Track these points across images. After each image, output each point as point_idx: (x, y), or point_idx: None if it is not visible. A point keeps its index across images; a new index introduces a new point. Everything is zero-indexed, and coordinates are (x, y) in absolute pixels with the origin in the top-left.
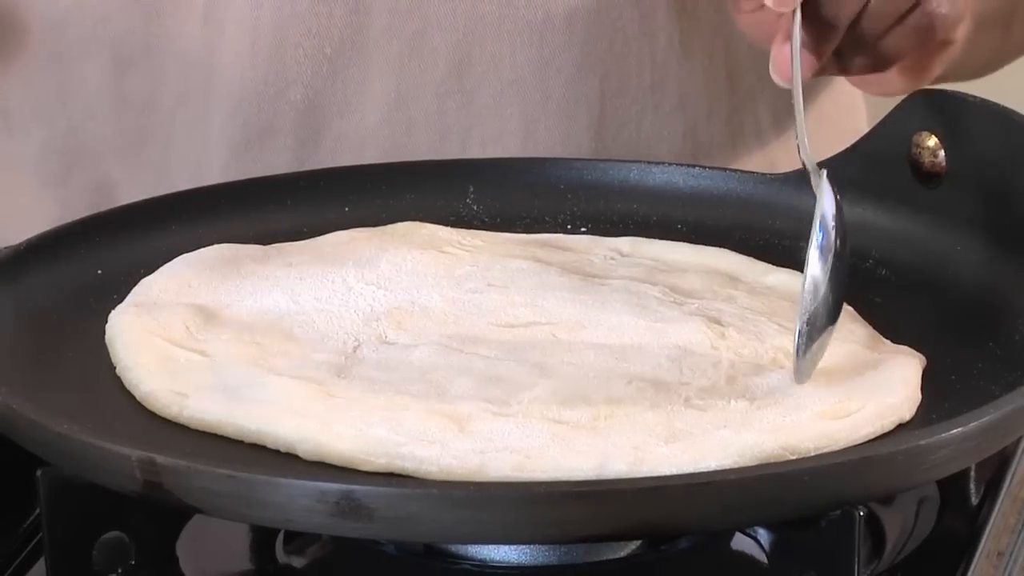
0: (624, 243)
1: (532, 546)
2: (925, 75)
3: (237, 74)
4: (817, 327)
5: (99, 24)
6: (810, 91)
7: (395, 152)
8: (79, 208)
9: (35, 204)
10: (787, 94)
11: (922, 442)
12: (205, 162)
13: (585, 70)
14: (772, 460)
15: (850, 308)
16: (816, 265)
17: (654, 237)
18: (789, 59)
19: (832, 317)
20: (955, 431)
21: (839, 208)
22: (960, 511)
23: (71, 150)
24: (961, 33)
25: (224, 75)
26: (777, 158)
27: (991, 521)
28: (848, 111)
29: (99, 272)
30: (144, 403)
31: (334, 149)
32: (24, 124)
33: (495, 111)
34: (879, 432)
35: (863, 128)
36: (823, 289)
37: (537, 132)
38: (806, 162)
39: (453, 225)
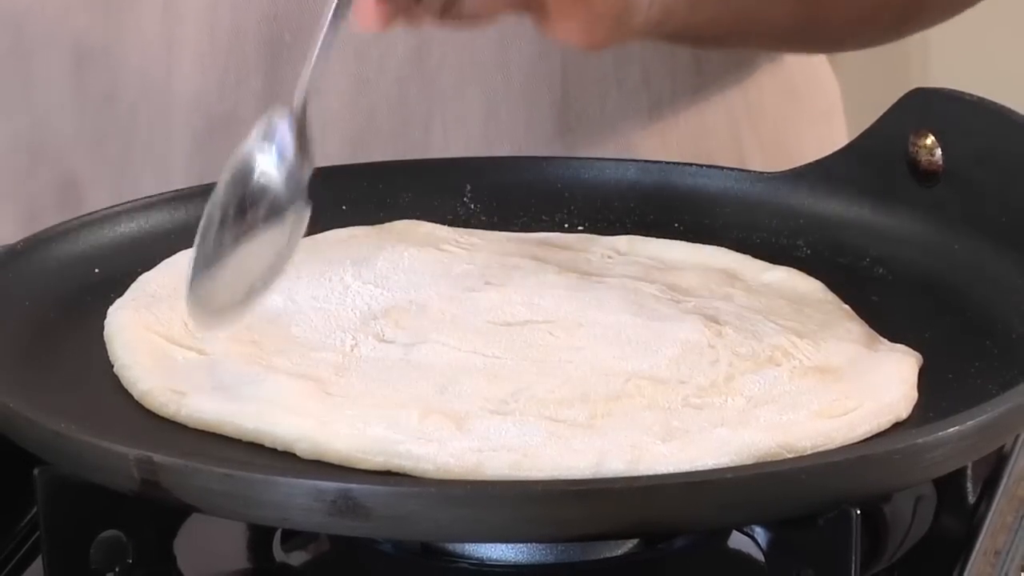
0: (621, 241)
1: (529, 545)
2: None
3: (197, 64)
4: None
5: (59, 17)
6: (776, 62)
7: (357, 137)
8: (46, 204)
9: (4, 199)
10: (758, 73)
11: (919, 441)
12: (168, 154)
13: (546, 49)
14: (769, 459)
15: (847, 307)
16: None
17: (651, 236)
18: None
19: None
20: (952, 430)
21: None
22: (957, 510)
23: (35, 145)
24: None
25: (184, 66)
26: (745, 135)
27: (988, 520)
28: (821, 88)
29: (96, 271)
30: (142, 402)
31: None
32: None
33: (457, 94)
34: (876, 431)
35: (839, 107)
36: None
37: (500, 114)
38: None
39: (451, 224)
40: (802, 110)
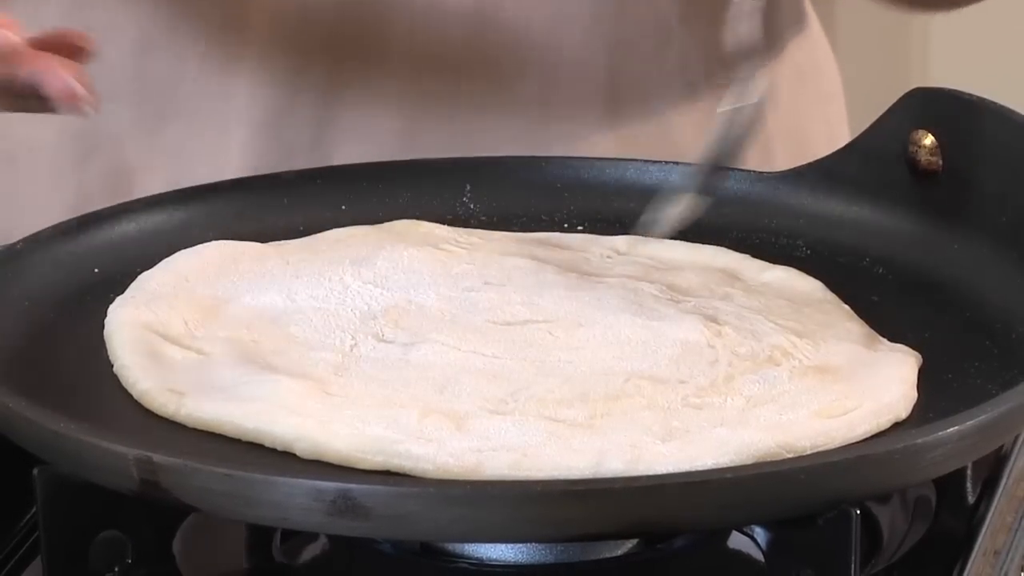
0: (621, 241)
1: (529, 545)
2: None
3: (260, 53)
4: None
5: (122, 5)
6: (785, 46)
7: (412, 125)
8: (96, 194)
9: (52, 190)
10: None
11: (919, 440)
12: (225, 143)
13: (596, 31)
14: (769, 458)
15: (847, 307)
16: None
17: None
18: None
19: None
20: (952, 430)
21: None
22: (957, 510)
23: (89, 135)
24: None
25: (246, 55)
26: (768, 118)
27: (987, 520)
28: (823, 71)
29: (96, 271)
30: (141, 401)
31: (352, 120)
32: None
33: (514, 77)
34: (876, 430)
35: (840, 89)
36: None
37: (553, 99)
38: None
39: (450, 224)
40: (808, 93)
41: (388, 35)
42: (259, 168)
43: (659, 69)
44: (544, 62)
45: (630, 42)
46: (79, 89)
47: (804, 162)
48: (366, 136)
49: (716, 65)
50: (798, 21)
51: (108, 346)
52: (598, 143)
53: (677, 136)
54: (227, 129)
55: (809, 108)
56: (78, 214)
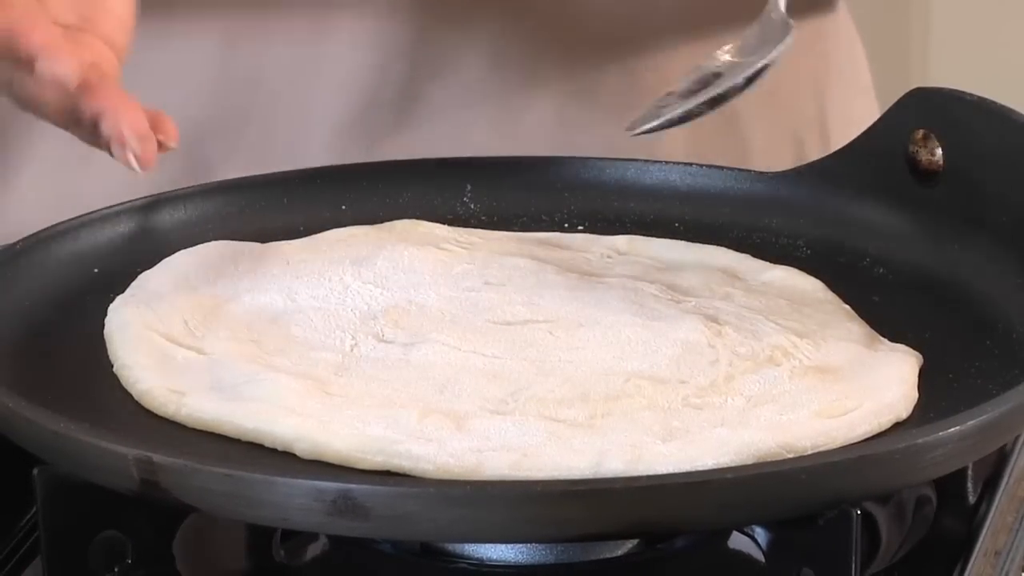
0: (621, 241)
1: (529, 545)
2: None
3: (342, 52)
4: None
5: (209, 3)
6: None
7: (493, 110)
8: (174, 187)
9: (128, 189)
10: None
11: (919, 441)
12: (307, 140)
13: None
14: (769, 458)
15: (847, 307)
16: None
17: (651, 235)
18: None
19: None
20: (952, 430)
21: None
22: (957, 510)
23: None
24: None
25: (329, 54)
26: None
27: (988, 520)
28: (852, 59)
29: (96, 270)
30: (141, 402)
31: (431, 115)
32: None
33: (591, 63)
34: (876, 431)
35: (867, 82)
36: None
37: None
38: None
39: (450, 223)
40: (857, 85)
41: (468, 22)
42: (341, 163)
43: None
44: (628, 57)
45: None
46: (134, 141)
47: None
48: (445, 126)
49: (785, 57)
50: (838, 32)
51: (108, 346)
52: (668, 138)
53: (746, 129)
54: (309, 128)
55: (845, 100)
56: None
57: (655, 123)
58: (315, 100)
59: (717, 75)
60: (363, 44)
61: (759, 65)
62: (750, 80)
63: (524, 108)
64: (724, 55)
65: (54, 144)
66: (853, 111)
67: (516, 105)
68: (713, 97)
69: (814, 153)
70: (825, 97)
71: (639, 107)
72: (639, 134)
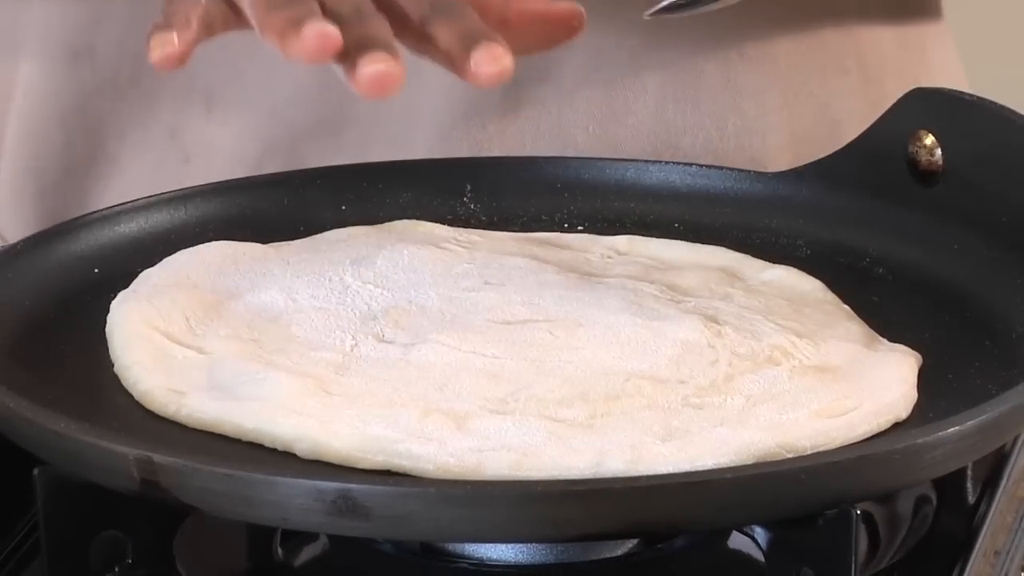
0: (621, 241)
1: (529, 545)
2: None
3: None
4: None
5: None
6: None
7: (593, 113)
8: None
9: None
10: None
11: (919, 440)
12: (409, 144)
13: (777, 27)
14: (769, 458)
15: (847, 307)
16: None
17: (651, 235)
18: None
19: None
20: (952, 430)
21: None
22: (957, 510)
23: (268, 136)
24: None
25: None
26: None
27: (988, 520)
28: (952, 69)
29: (96, 271)
30: (142, 401)
31: (533, 115)
32: (225, 109)
33: (688, 63)
34: (876, 431)
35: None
36: None
37: (730, 98)
38: None
39: (450, 224)
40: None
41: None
42: None
43: (833, 67)
44: (723, 59)
45: (812, 42)
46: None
47: None
48: (547, 125)
49: (883, 50)
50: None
51: (109, 344)
52: (768, 139)
53: (846, 132)
54: (412, 132)
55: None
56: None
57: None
58: (418, 102)
59: None
60: None
61: None
62: None
63: (625, 111)
64: None
65: (157, 147)
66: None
67: (617, 108)
68: None
69: None
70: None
71: (739, 111)
72: (655, 13)
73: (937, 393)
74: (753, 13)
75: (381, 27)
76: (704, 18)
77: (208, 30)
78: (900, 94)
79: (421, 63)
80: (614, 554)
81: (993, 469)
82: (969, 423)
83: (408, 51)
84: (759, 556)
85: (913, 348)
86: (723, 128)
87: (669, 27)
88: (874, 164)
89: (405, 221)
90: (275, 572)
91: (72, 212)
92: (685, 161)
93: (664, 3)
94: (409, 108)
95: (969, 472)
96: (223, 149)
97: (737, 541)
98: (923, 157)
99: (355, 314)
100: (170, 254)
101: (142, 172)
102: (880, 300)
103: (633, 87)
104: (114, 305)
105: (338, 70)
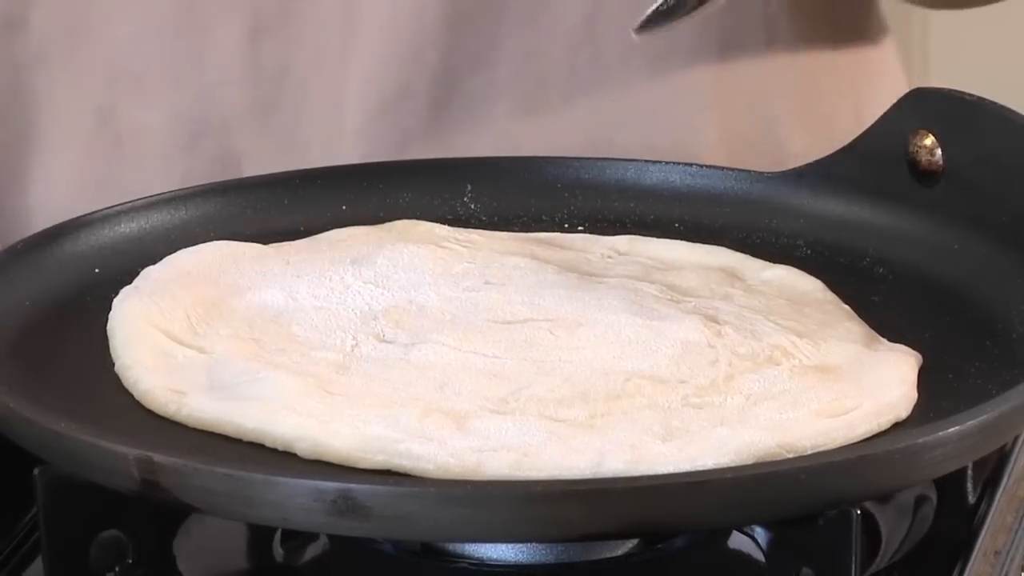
0: (621, 241)
1: (529, 545)
2: None
3: (375, 38)
4: None
5: None
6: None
7: (526, 105)
8: (202, 178)
9: (157, 175)
10: None
11: (919, 440)
12: (338, 129)
13: (708, 20)
14: (769, 458)
15: (847, 307)
16: None
17: (651, 235)
18: None
19: None
20: (952, 429)
21: None
22: (957, 510)
23: (200, 118)
24: None
25: (362, 39)
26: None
27: (988, 520)
28: (892, 74)
29: (96, 271)
30: (142, 401)
31: (465, 105)
32: (154, 91)
33: (622, 63)
34: (876, 430)
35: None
36: None
37: (663, 80)
38: None
39: (450, 224)
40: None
41: (504, 13)
42: (372, 154)
43: (768, 66)
44: (655, 47)
45: (740, 40)
46: None
47: None
48: (479, 116)
49: (824, 62)
50: (878, 40)
51: (110, 342)
52: (704, 139)
53: (784, 135)
54: (341, 115)
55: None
56: None
57: (650, 11)
58: (345, 90)
59: None
60: (395, 33)
61: None
62: None
63: (559, 103)
64: None
65: (87, 129)
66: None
67: (552, 100)
68: None
69: None
70: (863, 108)
71: (673, 107)
72: (642, 28)
73: (937, 393)
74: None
75: None
76: (635, 7)
77: None
78: (837, 99)
79: (348, 50)
80: (614, 554)
81: (993, 469)
82: (969, 423)
83: None
84: (759, 556)
85: (913, 348)
86: (658, 124)
87: (604, 18)
88: (874, 164)
89: (405, 221)
90: (275, 572)
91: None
92: (624, 157)
93: (648, 15)
94: (338, 92)
95: (969, 472)
96: (154, 132)
97: (737, 541)
98: (923, 157)
99: (355, 314)
100: (170, 254)
101: (72, 154)
102: (880, 300)
103: (568, 80)
104: (116, 302)
105: None
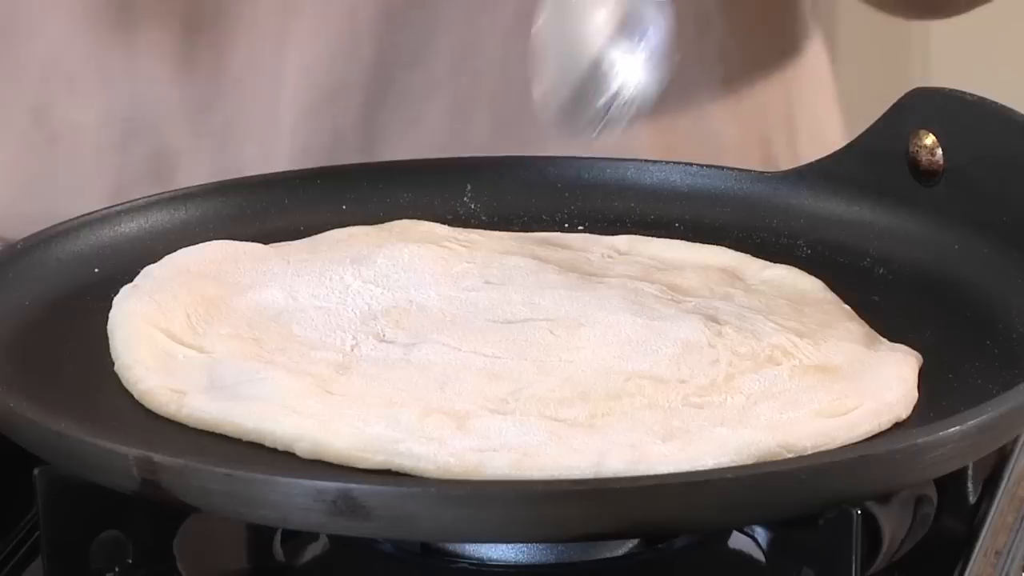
0: (621, 241)
1: (529, 545)
2: None
3: (310, 35)
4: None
5: None
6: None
7: (460, 101)
8: (137, 176)
9: (93, 173)
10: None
11: (919, 440)
12: (273, 126)
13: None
14: (769, 458)
15: (847, 307)
16: None
17: (651, 235)
18: None
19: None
20: (953, 429)
21: None
22: (958, 510)
23: (132, 118)
24: None
25: (296, 36)
26: (797, 115)
27: (989, 520)
28: (819, 59)
29: (96, 271)
30: (142, 401)
31: (399, 102)
32: (88, 90)
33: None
34: (876, 430)
35: (831, 84)
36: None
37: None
38: None
39: (450, 224)
40: (826, 92)
41: (439, 9)
42: (308, 150)
43: (699, 60)
44: None
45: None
46: None
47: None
48: (412, 112)
49: (755, 56)
50: (807, 33)
51: (111, 341)
52: (637, 135)
53: (716, 126)
54: (275, 112)
55: (824, 107)
56: (119, 198)
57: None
58: (280, 87)
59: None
60: (329, 30)
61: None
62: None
63: (491, 102)
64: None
65: (21, 128)
66: (819, 111)
67: (484, 99)
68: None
69: (781, 152)
70: (793, 97)
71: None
72: (595, 136)
73: (938, 393)
74: None
75: None
76: None
77: None
78: (767, 89)
79: (283, 45)
80: (614, 554)
81: (994, 469)
82: (970, 423)
83: None
84: (759, 556)
85: (913, 348)
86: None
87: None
88: (874, 164)
89: (405, 221)
90: (275, 572)
91: None
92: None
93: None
94: (273, 90)
95: (970, 472)
96: (89, 130)
97: (737, 541)
98: (923, 157)
99: (355, 314)
100: (170, 254)
101: (6, 153)
102: (880, 300)
103: (501, 79)
104: (116, 301)
105: None
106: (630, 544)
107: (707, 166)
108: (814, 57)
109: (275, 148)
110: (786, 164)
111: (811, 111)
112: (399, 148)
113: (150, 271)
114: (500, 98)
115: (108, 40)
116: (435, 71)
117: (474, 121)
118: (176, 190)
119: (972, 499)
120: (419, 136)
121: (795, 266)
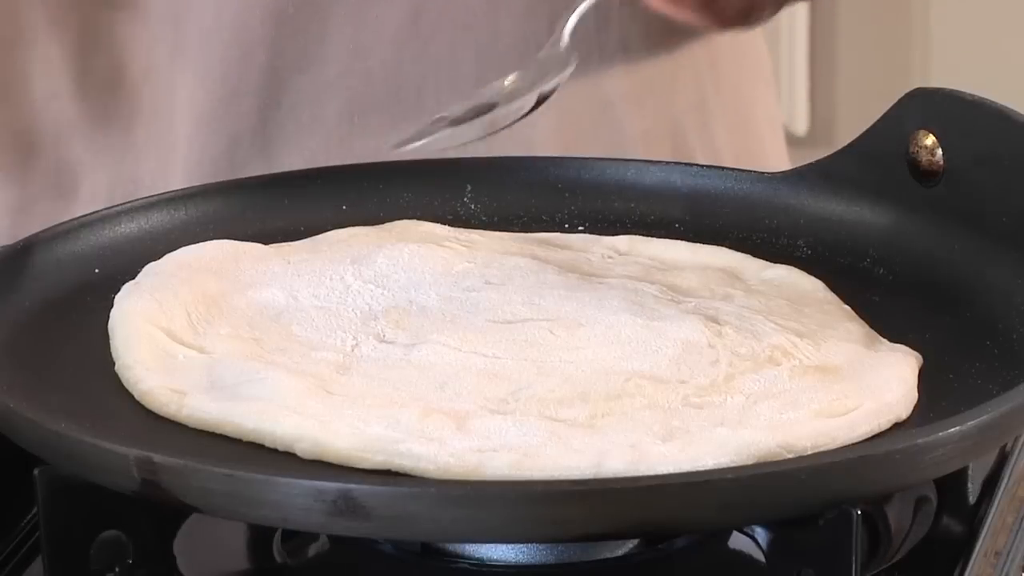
0: (622, 242)
1: (529, 545)
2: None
3: (203, 42)
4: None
5: (64, 2)
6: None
7: (355, 104)
8: (39, 191)
9: None
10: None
11: (920, 441)
12: (170, 135)
13: (533, 9)
14: (769, 458)
15: (847, 307)
16: None
17: (651, 235)
18: None
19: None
20: (953, 430)
21: None
22: (958, 510)
23: (30, 134)
24: None
25: (190, 45)
26: (710, 97)
27: (988, 520)
28: (761, 54)
29: (96, 271)
30: (142, 401)
31: (294, 106)
32: None
33: (449, 57)
34: (876, 431)
35: (771, 75)
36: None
37: (488, 77)
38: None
39: (451, 224)
40: (753, 74)
41: (329, 12)
42: (204, 160)
43: (599, 49)
44: (481, 42)
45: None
46: None
47: (746, 144)
48: (306, 114)
49: (656, 41)
50: None
51: (111, 341)
52: (537, 122)
53: (620, 116)
54: (172, 122)
55: (753, 90)
56: (23, 214)
57: (420, 143)
58: (175, 96)
59: (492, 105)
60: (221, 35)
61: (534, 95)
62: (527, 110)
63: (387, 100)
64: (504, 83)
65: None
66: (742, 93)
67: (379, 97)
68: (486, 123)
69: (696, 142)
70: (707, 84)
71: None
72: (400, 147)
73: (938, 393)
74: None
75: None
76: (459, 2)
77: None
78: (675, 78)
79: (176, 52)
80: (614, 554)
81: (994, 469)
82: (970, 423)
83: None
84: (759, 556)
85: (913, 348)
86: (491, 114)
87: (429, 14)
88: (874, 164)
89: (405, 221)
90: (275, 572)
91: None
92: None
93: (411, 146)
94: (168, 99)
95: (970, 472)
96: None
97: (737, 541)
98: (923, 157)
99: (356, 314)
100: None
101: None
102: (880, 300)
103: (396, 76)
104: (117, 299)
105: None
106: (630, 544)
107: (707, 166)
108: (732, 37)
109: (173, 158)
110: (702, 151)
111: (731, 95)
112: (295, 151)
113: (151, 268)
114: (394, 99)
115: (3, 56)
116: (327, 74)
117: (369, 123)
118: (176, 190)
119: (972, 499)
120: (315, 139)
121: (795, 266)
